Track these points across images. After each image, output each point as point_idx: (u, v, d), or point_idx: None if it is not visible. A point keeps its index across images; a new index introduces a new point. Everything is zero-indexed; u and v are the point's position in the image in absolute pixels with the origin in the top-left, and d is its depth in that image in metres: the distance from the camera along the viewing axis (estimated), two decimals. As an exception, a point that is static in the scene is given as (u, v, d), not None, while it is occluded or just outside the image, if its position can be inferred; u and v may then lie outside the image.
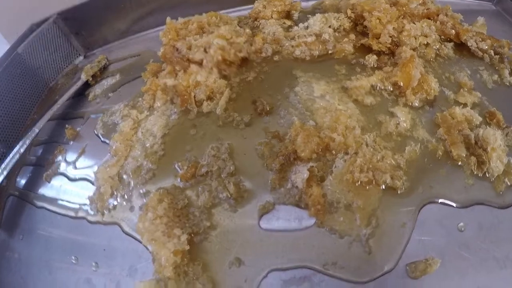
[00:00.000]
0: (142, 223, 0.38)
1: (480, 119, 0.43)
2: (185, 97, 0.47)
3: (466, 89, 0.47)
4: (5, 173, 0.49)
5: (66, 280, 0.42)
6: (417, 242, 0.36)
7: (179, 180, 0.42)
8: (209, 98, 0.48)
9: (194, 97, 0.48)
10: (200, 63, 0.50)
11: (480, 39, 0.52)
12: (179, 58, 0.50)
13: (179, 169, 0.43)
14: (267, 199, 0.40)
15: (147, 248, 0.39)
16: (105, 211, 0.44)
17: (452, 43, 0.53)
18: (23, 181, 0.53)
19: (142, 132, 0.48)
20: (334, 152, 0.40)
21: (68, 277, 0.42)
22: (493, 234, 0.36)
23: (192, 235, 0.38)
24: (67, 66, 0.69)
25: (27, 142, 0.52)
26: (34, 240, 0.46)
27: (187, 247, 0.36)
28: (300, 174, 0.39)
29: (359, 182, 0.38)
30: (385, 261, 0.35)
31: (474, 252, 0.35)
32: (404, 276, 0.35)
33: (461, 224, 0.37)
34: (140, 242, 0.40)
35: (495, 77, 0.50)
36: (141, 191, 0.43)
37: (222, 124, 0.46)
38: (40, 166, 0.53)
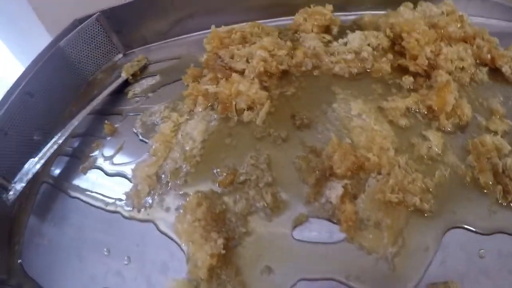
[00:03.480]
0: (181, 224, 0.39)
1: (510, 148, 0.43)
2: (227, 105, 0.48)
3: (498, 116, 0.48)
4: (42, 161, 0.50)
5: (96, 270, 0.43)
6: (439, 264, 0.37)
7: (217, 185, 0.44)
8: (250, 108, 0.49)
9: (235, 105, 0.49)
10: (242, 73, 0.51)
11: (515, 65, 0.52)
12: (221, 66, 0.51)
13: (217, 175, 0.44)
14: (301, 211, 0.41)
15: (180, 248, 0.41)
16: (141, 208, 0.45)
17: (487, 68, 0.53)
18: (58, 171, 0.55)
19: (182, 135, 0.49)
20: (368, 171, 0.42)
21: (98, 267, 0.43)
22: (511, 263, 0.37)
23: (227, 239, 0.39)
24: (106, 62, 0.70)
25: (66, 133, 0.53)
26: (66, 228, 0.47)
27: (223, 251, 0.38)
28: (334, 190, 0.40)
29: (390, 202, 0.39)
30: (408, 280, 0.36)
31: (492, 279, 0.36)
32: (424, 296, 0.35)
33: (482, 250, 0.37)
34: (174, 241, 0.41)
35: (527, 105, 0.49)
36: (178, 193, 0.44)
37: (260, 137, 0.47)
38: (77, 158, 0.55)
